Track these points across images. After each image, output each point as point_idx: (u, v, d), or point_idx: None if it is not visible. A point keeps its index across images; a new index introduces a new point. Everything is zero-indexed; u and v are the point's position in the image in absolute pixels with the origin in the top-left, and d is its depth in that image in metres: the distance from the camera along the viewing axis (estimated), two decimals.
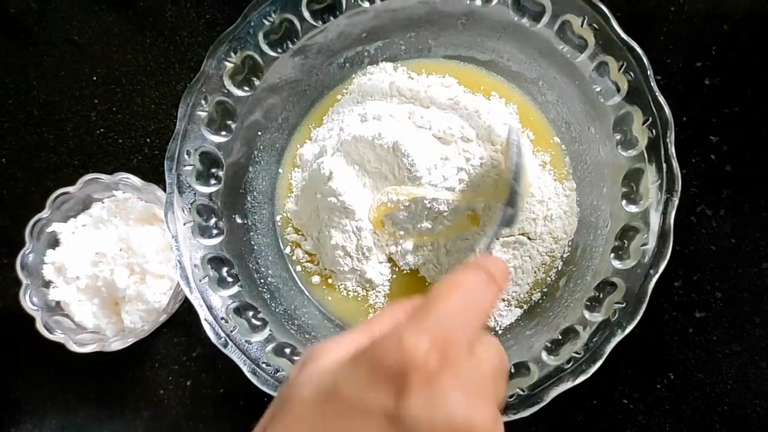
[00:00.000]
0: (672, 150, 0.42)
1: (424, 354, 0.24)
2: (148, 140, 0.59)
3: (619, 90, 0.44)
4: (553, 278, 0.50)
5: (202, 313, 0.45)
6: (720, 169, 0.53)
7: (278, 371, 0.44)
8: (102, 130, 0.60)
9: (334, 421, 0.24)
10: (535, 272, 0.50)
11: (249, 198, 0.52)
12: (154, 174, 0.57)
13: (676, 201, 0.42)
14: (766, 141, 0.53)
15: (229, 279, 0.47)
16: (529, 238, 0.50)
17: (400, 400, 0.23)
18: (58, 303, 0.53)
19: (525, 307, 0.50)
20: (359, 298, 0.52)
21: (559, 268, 0.50)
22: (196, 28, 0.60)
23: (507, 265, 0.32)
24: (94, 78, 0.60)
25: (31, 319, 0.51)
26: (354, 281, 0.52)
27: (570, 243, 0.51)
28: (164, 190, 0.46)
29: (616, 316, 0.41)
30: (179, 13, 0.60)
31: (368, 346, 0.25)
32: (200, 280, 0.45)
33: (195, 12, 0.60)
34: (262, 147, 0.52)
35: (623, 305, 0.42)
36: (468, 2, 0.47)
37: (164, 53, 0.60)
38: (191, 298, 0.45)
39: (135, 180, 0.53)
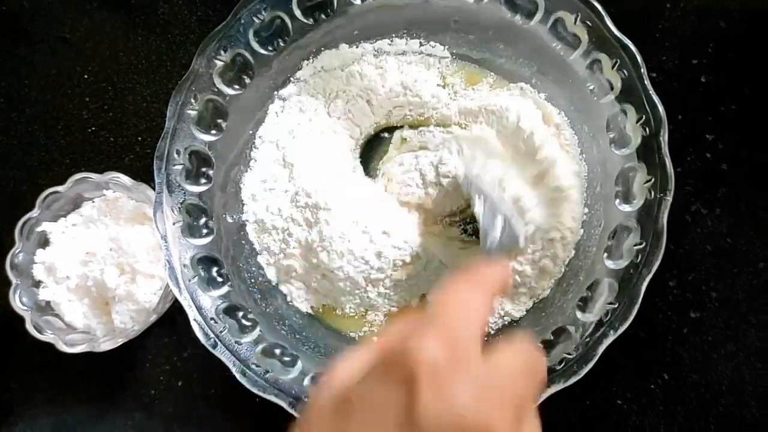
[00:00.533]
0: (665, 149, 0.42)
1: (432, 353, 0.24)
2: (139, 138, 0.59)
3: (612, 88, 0.44)
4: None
5: (192, 313, 0.44)
6: (716, 168, 0.52)
7: (268, 372, 0.44)
8: (93, 128, 0.59)
9: (349, 425, 0.24)
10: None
11: (239, 197, 0.51)
12: (146, 173, 0.56)
13: (669, 200, 0.41)
14: (763, 139, 0.52)
15: (219, 279, 0.47)
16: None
17: (411, 400, 0.23)
18: (48, 303, 0.53)
19: None
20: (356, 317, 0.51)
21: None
22: (188, 25, 0.59)
23: (506, 269, 0.32)
24: (86, 76, 0.60)
25: (21, 319, 0.50)
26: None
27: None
28: (155, 189, 0.46)
29: (609, 316, 0.41)
30: (171, 11, 0.60)
31: (378, 356, 0.26)
32: (189, 281, 0.45)
33: (187, 9, 0.60)
34: (252, 145, 0.52)
35: (615, 306, 0.41)
36: None
37: (156, 51, 0.59)
38: (180, 298, 0.44)
39: (125, 179, 0.52)
